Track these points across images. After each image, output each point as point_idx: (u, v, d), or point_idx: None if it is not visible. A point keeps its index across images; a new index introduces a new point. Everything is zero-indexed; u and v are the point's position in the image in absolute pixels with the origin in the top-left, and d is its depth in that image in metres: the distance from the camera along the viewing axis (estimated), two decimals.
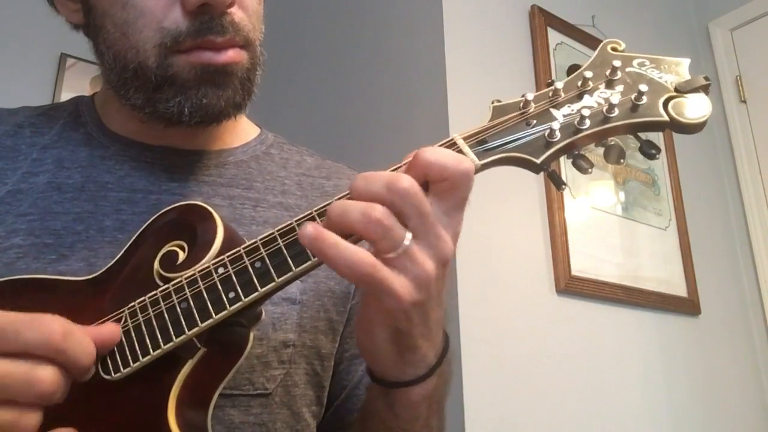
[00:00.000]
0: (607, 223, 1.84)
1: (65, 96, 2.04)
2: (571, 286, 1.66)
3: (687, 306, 1.94)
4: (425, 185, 0.47)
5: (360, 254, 0.44)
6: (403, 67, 1.82)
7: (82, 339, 0.46)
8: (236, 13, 0.60)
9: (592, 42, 2.00)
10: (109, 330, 0.50)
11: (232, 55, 0.59)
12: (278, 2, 2.30)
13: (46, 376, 0.43)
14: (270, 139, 0.75)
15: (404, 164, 0.49)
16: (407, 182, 0.45)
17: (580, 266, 1.70)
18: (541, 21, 1.89)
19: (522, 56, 1.84)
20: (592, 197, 1.83)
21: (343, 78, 2.04)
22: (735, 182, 2.27)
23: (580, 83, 0.54)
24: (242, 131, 0.74)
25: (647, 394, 1.75)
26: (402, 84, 1.80)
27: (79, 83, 2.11)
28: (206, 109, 0.60)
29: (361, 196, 0.45)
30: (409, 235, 0.45)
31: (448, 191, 0.47)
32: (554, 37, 1.91)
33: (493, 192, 1.59)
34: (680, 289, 1.94)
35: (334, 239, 0.44)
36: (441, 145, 0.51)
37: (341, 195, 0.49)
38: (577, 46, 1.97)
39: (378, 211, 0.44)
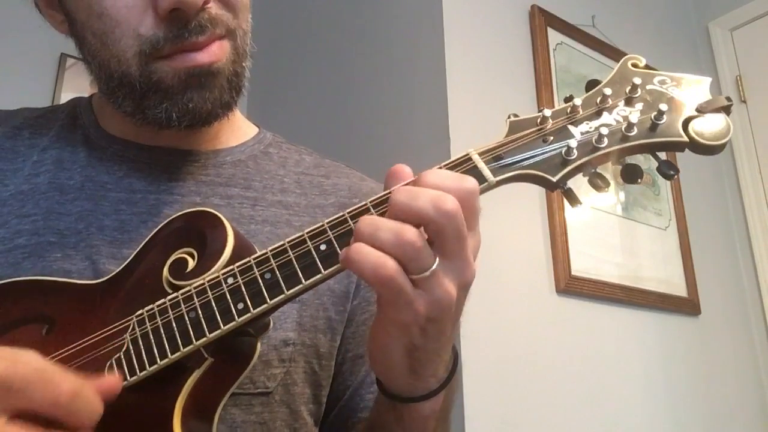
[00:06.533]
0: (607, 223, 1.84)
1: (65, 96, 2.04)
2: (571, 286, 1.66)
3: (687, 306, 1.94)
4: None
5: (384, 259, 0.43)
6: (403, 67, 1.81)
7: (90, 399, 0.44)
8: (212, 7, 0.59)
9: (592, 42, 2.00)
10: (111, 384, 0.48)
11: (215, 50, 0.59)
12: (279, 3, 2.30)
13: None
14: (268, 139, 0.75)
15: (408, 183, 0.48)
16: (454, 204, 0.44)
17: (580, 266, 1.70)
18: (541, 21, 1.89)
19: (522, 56, 1.84)
20: (592, 197, 1.83)
21: (343, 78, 2.04)
22: (735, 182, 2.27)
23: (599, 100, 0.53)
24: (240, 131, 0.74)
25: (647, 394, 1.75)
26: (402, 84, 1.80)
27: (79, 83, 2.10)
28: (193, 113, 0.59)
29: (404, 211, 0.45)
30: (437, 260, 0.45)
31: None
32: (554, 37, 1.91)
33: (494, 192, 1.59)
34: (680, 289, 1.94)
35: (357, 244, 0.44)
36: (456, 161, 0.50)
37: (380, 197, 0.48)
38: (577, 46, 1.97)
39: (411, 233, 0.44)
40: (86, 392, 0.44)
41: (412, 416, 0.54)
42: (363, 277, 0.45)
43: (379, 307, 0.49)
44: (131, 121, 0.64)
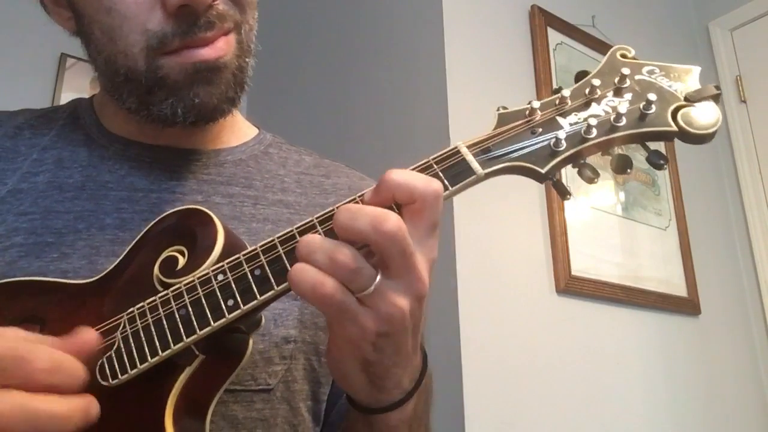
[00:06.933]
0: (607, 223, 1.84)
1: (65, 96, 2.04)
2: (571, 286, 1.66)
3: (687, 306, 1.94)
4: (395, 209, 0.46)
5: (322, 278, 0.44)
6: (403, 67, 1.82)
7: (68, 369, 0.44)
8: (220, 3, 0.59)
9: (592, 42, 2.00)
10: (86, 339, 0.47)
11: (221, 46, 0.59)
12: (279, 3, 2.30)
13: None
14: (268, 139, 0.76)
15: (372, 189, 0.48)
16: (394, 224, 0.44)
17: (580, 266, 1.70)
18: (541, 21, 1.89)
19: (522, 56, 1.84)
20: (592, 197, 1.83)
21: (343, 78, 2.04)
22: (735, 182, 2.27)
23: (587, 91, 0.52)
24: (240, 131, 0.74)
25: (647, 394, 1.75)
26: (402, 84, 1.80)
27: (79, 83, 2.11)
28: (199, 108, 0.60)
29: (345, 231, 0.45)
30: (378, 277, 0.45)
31: (418, 214, 0.46)
32: (554, 37, 1.91)
33: (493, 192, 1.59)
34: (680, 289, 1.94)
35: (298, 264, 0.45)
36: (444, 154, 0.50)
37: (326, 212, 0.48)
38: (577, 47, 1.97)
39: (344, 255, 0.44)
40: (66, 364, 0.43)
41: (381, 426, 0.54)
42: (303, 297, 0.45)
43: (328, 323, 0.49)
44: (134, 119, 0.64)
